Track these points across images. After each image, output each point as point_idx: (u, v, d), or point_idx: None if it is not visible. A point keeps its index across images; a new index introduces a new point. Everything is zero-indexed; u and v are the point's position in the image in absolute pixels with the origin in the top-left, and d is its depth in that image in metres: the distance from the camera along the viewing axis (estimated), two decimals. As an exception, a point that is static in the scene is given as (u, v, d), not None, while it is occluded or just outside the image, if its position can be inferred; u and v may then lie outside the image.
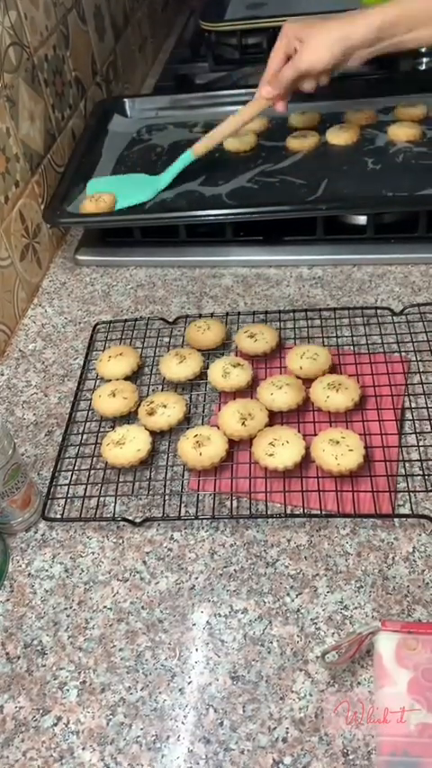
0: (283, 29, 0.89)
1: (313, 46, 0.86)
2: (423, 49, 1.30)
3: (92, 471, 0.76)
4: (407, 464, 0.72)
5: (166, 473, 0.75)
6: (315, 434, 0.74)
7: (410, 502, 0.69)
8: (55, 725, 0.59)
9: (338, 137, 1.07)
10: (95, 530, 0.72)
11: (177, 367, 0.83)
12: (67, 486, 0.75)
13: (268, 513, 0.70)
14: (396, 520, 0.68)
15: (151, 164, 1.11)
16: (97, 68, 1.25)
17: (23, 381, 0.89)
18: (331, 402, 0.76)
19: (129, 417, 0.80)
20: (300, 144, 1.08)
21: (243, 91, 1.16)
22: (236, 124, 0.98)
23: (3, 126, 0.92)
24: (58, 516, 0.73)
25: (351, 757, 0.54)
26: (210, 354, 0.86)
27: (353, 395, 0.76)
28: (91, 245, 1.07)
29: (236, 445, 0.75)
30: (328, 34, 0.85)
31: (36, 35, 1.01)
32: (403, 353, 0.82)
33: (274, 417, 0.77)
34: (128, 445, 0.75)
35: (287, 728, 0.56)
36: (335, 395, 0.76)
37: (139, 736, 0.57)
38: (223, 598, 0.65)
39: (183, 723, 0.58)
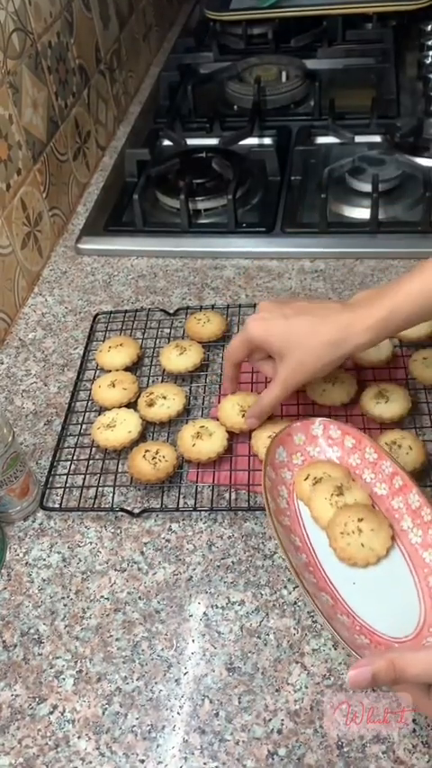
0: (252, 326, 0.70)
1: (298, 363, 0.67)
2: (429, 42, 1.30)
3: (90, 461, 0.76)
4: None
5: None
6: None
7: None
8: (51, 713, 0.59)
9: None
10: (93, 519, 0.72)
11: (178, 358, 0.82)
12: (65, 476, 0.75)
13: (266, 505, 0.70)
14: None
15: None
16: (101, 56, 1.25)
17: (23, 370, 0.89)
18: (327, 396, 0.76)
19: (128, 408, 0.80)
20: None
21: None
22: None
23: (5, 113, 0.91)
24: (57, 506, 0.73)
25: (345, 749, 0.54)
26: (210, 347, 0.86)
27: (348, 389, 0.76)
28: (92, 234, 1.06)
29: (235, 438, 0.75)
30: (319, 343, 0.66)
31: (40, 21, 1.00)
32: (404, 348, 0.82)
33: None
34: (118, 428, 0.75)
35: (282, 720, 0.56)
36: (331, 388, 0.76)
37: (134, 726, 0.57)
38: (220, 590, 0.65)
39: (178, 713, 0.58)
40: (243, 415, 0.74)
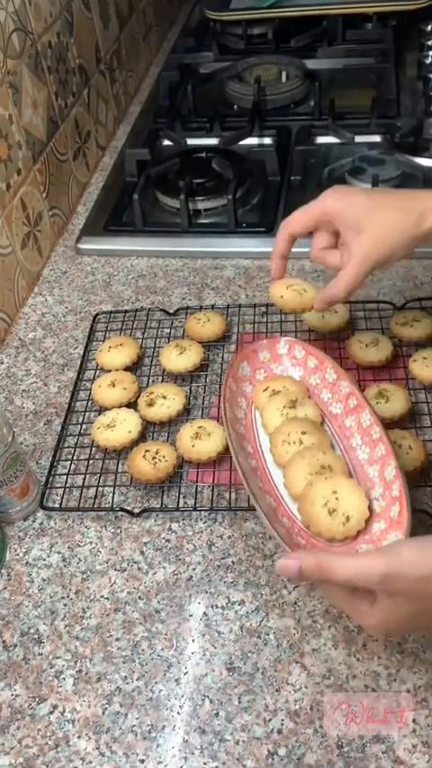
0: (328, 195, 0.67)
1: (379, 238, 0.63)
2: (429, 42, 1.30)
3: (90, 461, 0.76)
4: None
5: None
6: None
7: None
8: (51, 713, 0.59)
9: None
10: (93, 519, 0.72)
11: (177, 358, 0.82)
12: (65, 476, 0.75)
13: (266, 505, 0.70)
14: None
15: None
16: (101, 56, 1.25)
17: (23, 370, 0.89)
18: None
19: (128, 408, 0.80)
20: None
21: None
22: None
23: (5, 113, 0.91)
24: (57, 506, 0.73)
25: (345, 749, 0.54)
26: (210, 346, 0.86)
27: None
28: (92, 234, 1.06)
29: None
30: (403, 215, 0.63)
31: (40, 21, 1.01)
32: (405, 348, 0.82)
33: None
34: (118, 427, 0.75)
35: (282, 720, 0.56)
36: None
37: (134, 726, 0.57)
38: (220, 589, 0.65)
39: (178, 713, 0.58)
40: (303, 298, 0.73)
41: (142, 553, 0.69)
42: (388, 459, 0.61)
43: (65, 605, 0.66)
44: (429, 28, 1.33)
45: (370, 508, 0.59)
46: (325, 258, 0.69)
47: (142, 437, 0.77)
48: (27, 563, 0.69)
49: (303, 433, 0.64)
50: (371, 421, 0.64)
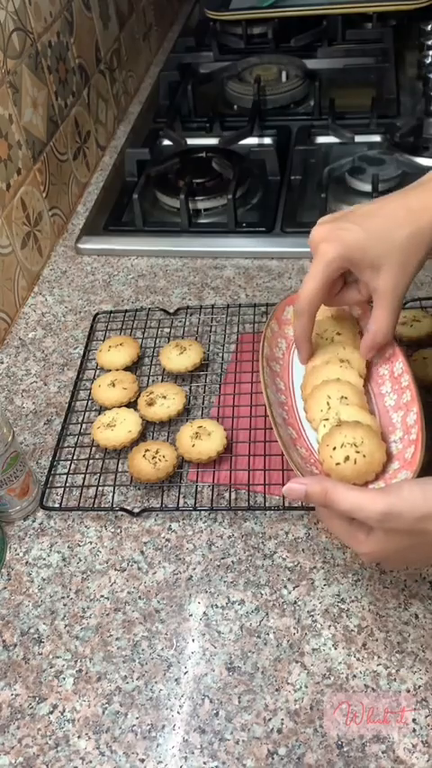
0: (328, 249, 0.59)
1: (401, 266, 0.59)
2: (429, 42, 1.30)
3: (90, 461, 0.76)
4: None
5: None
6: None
7: (409, 496, 0.69)
8: (51, 713, 0.59)
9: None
10: (93, 519, 0.72)
11: (177, 358, 0.82)
12: (65, 476, 0.75)
13: (266, 505, 0.70)
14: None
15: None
16: (101, 56, 1.25)
17: (23, 370, 0.89)
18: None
19: (128, 408, 0.80)
20: None
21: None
22: None
23: (5, 113, 0.91)
24: (57, 505, 0.73)
25: (345, 749, 0.54)
26: (210, 345, 0.86)
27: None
28: (92, 234, 1.06)
29: (235, 437, 0.75)
30: (411, 233, 0.58)
31: (40, 21, 1.00)
32: (404, 347, 0.82)
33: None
34: (118, 427, 0.75)
35: (282, 719, 0.56)
36: None
37: (134, 725, 0.57)
38: (220, 589, 0.65)
39: (178, 713, 0.58)
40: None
41: (142, 553, 0.69)
42: (412, 406, 0.63)
43: (65, 605, 0.66)
44: (429, 28, 1.33)
45: (388, 452, 0.61)
46: (345, 297, 0.65)
47: (142, 437, 0.77)
48: (27, 563, 0.69)
49: (344, 398, 0.65)
50: (402, 369, 0.66)
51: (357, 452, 0.59)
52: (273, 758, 0.55)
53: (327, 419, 0.63)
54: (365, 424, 0.62)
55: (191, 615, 0.64)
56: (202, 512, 0.71)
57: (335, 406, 0.64)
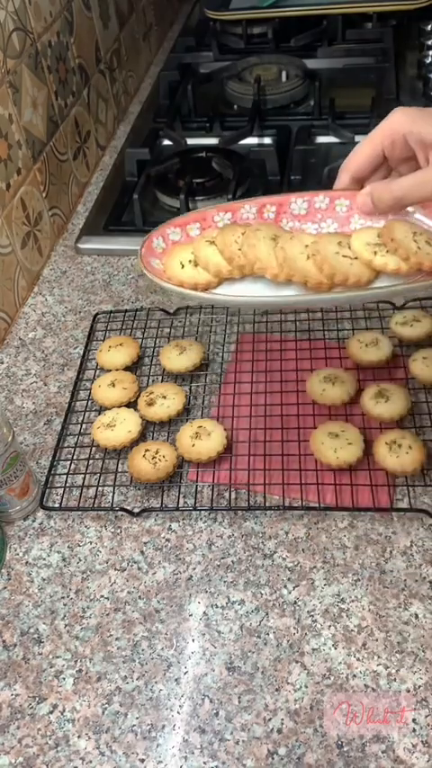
0: (395, 117, 0.62)
1: None
2: (429, 42, 1.30)
3: (90, 461, 0.76)
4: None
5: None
6: (314, 427, 0.74)
7: (409, 496, 0.69)
8: (51, 713, 0.59)
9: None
10: (93, 519, 0.72)
11: (177, 358, 0.82)
12: (65, 476, 0.75)
13: (266, 505, 0.70)
14: (394, 514, 0.68)
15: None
16: (101, 56, 1.25)
17: (23, 370, 0.89)
18: (327, 395, 0.76)
19: (128, 408, 0.80)
20: None
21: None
22: None
23: (5, 112, 0.91)
24: (57, 505, 0.73)
25: (345, 749, 0.54)
26: (210, 345, 0.86)
27: (348, 388, 0.76)
28: (92, 234, 1.06)
29: (235, 437, 0.75)
30: None
31: (40, 21, 1.00)
32: (405, 348, 0.82)
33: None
34: (118, 427, 0.75)
35: (282, 719, 0.56)
36: (331, 388, 0.76)
37: (134, 725, 0.57)
38: (220, 589, 0.65)
39: (178, 713, 0.58)
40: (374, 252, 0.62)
41: (142, 553, 0.69)
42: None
43: (65, 605, 0.66)
44: (429, 28, 1.33)
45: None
46: (397, 175, 0.62)
47: (142, 437, 0.77)
48: (27, 562, 0.69)
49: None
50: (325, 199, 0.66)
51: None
52: (273, 758, 0.55)
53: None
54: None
55: (191, 615, 0.64)
56: (202, 512, 0.71)
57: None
